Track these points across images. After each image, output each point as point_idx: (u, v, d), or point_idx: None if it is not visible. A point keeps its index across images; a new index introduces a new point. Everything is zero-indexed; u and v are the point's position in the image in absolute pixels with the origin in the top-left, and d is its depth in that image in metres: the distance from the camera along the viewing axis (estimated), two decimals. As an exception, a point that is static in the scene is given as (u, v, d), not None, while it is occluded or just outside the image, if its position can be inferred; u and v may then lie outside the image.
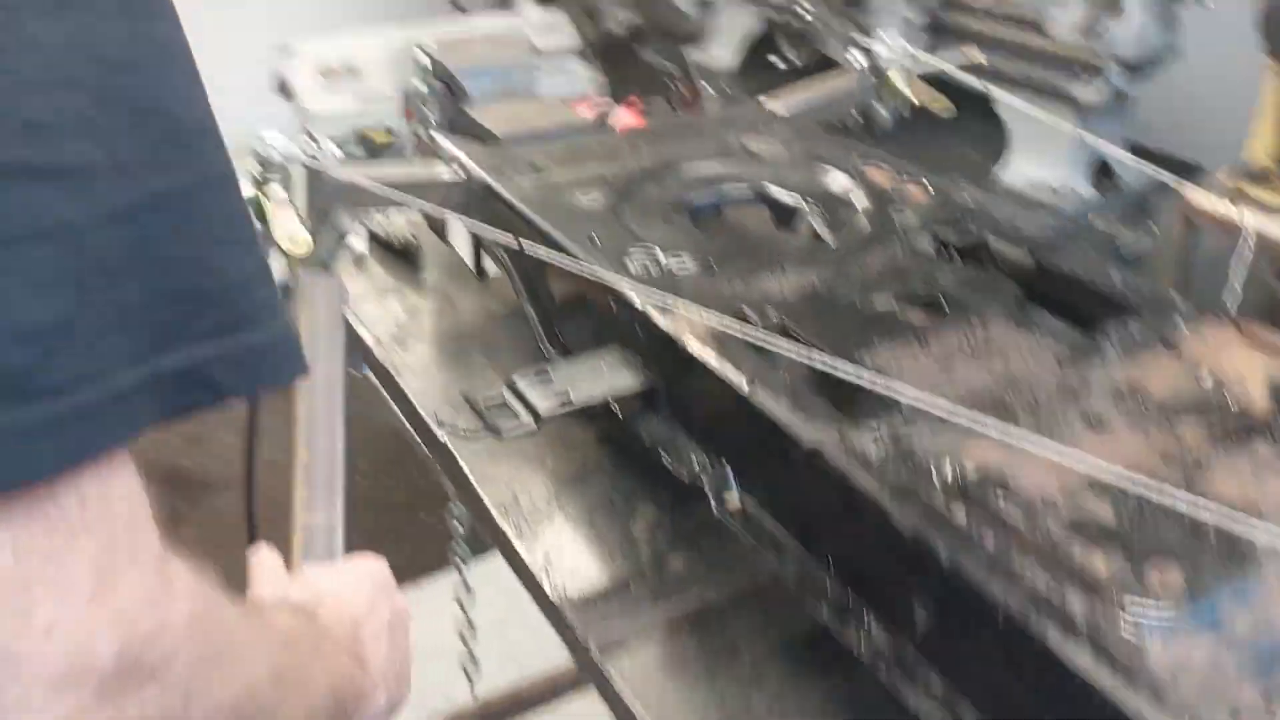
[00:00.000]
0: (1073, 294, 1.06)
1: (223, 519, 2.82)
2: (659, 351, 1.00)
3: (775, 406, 0.88)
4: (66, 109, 0.42)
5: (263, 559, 0.79)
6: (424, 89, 1.63)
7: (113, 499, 0.45)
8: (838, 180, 1.28)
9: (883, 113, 1.59)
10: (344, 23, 4.07)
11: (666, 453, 0.98)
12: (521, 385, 0.99)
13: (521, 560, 1.01)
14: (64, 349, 0.42)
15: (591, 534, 1.04)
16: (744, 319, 0.99)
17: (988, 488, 0.77)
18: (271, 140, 1.20)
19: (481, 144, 1.44)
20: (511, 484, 1.09)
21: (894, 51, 1.56)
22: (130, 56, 0.45)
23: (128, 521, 0.46)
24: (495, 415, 0.97)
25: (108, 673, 0.44)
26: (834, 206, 1.24)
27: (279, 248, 1.16)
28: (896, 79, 1.56)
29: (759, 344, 0.88)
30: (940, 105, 1.55)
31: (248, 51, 3.03)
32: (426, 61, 1.60)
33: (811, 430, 0.85)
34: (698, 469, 0.96)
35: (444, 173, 1.31)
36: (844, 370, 0.78)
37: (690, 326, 0.97)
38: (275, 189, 1.19)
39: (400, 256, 1.50)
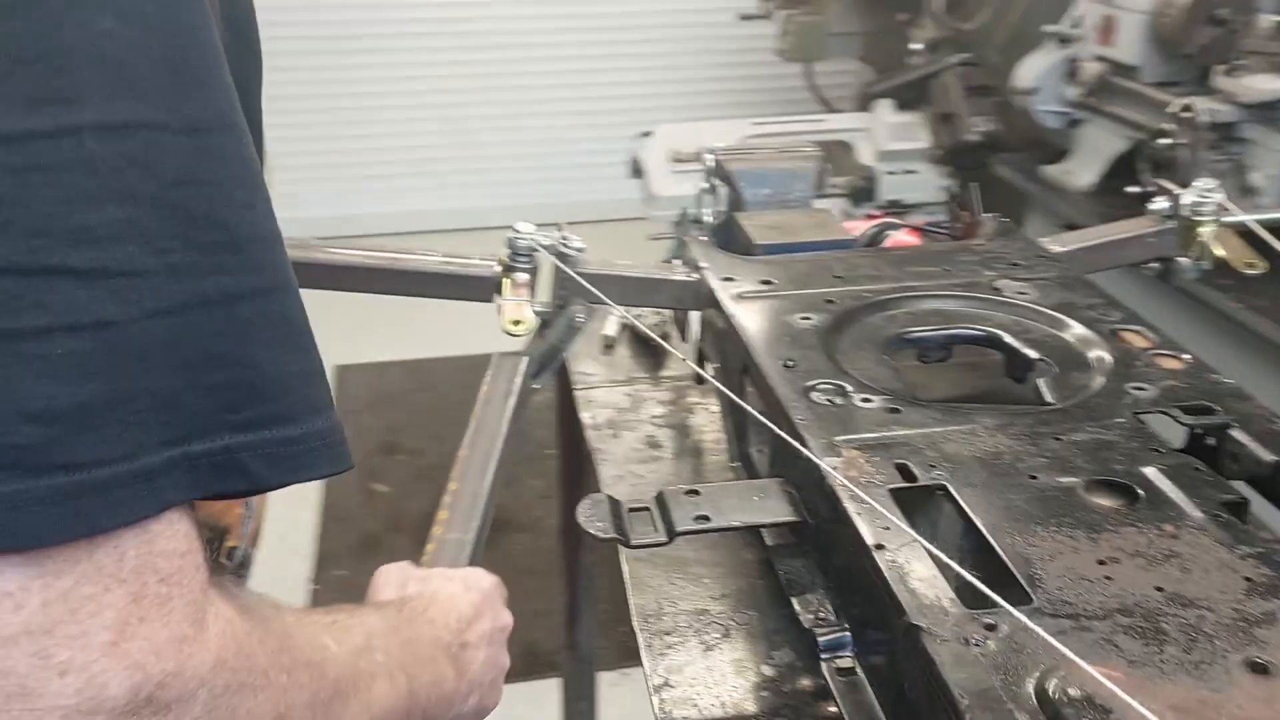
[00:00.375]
0: (1310, 509, 0.91)
1: (514, 558, 3.01)
2: (810, 488, 0.97)
3: (891, 571, 0.82)
4: (119, 219, 0.48)
5: (391, 567, 0.86)
6: (708, 188, 1.67)
7: (155, 554, 0.50)
8: (1082, 338, 1.18)
9: (1185, 264, 1.44)
10: (718, 112, 4.28)
11: (796, 595, 0.95)
12: (667, 497, 0.99)
13: (644, 671, 1.00)
14: (84, 430, 0.47)
15: (720, 663, 1.01)
16: (904, 472, 0.94)
17: (1084, 715, 0.68)
18: (522, 229, 1.30)
19: (743, 250, 1.47)
20: (662, 594, 1.09)
21: (1204, 200, 1.41)
22: (192, 171, 0.51)
23: (167, 574, 0.51)
24: (634, 521, 0.97)
25: (119, 708, 0.49)
26: (1069, 365, 1.14)
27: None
28: (1204, 230, 1.41)
29: (868, 503, 0.83)
30: (1249, 264, 1.38)
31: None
32: (712, 162, 1.64)
33: (920, 606, 0.79)
34: (818, 619, 0.91)
35: (680, 274, 1.35)
36: (942, 558, 0.72)
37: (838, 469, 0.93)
38: (519, 274, 1.28)
39: (646, 348, 1.55)
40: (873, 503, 0.82)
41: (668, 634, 1.04)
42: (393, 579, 0.85)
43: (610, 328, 1.59)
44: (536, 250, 1.30)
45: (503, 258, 1.30)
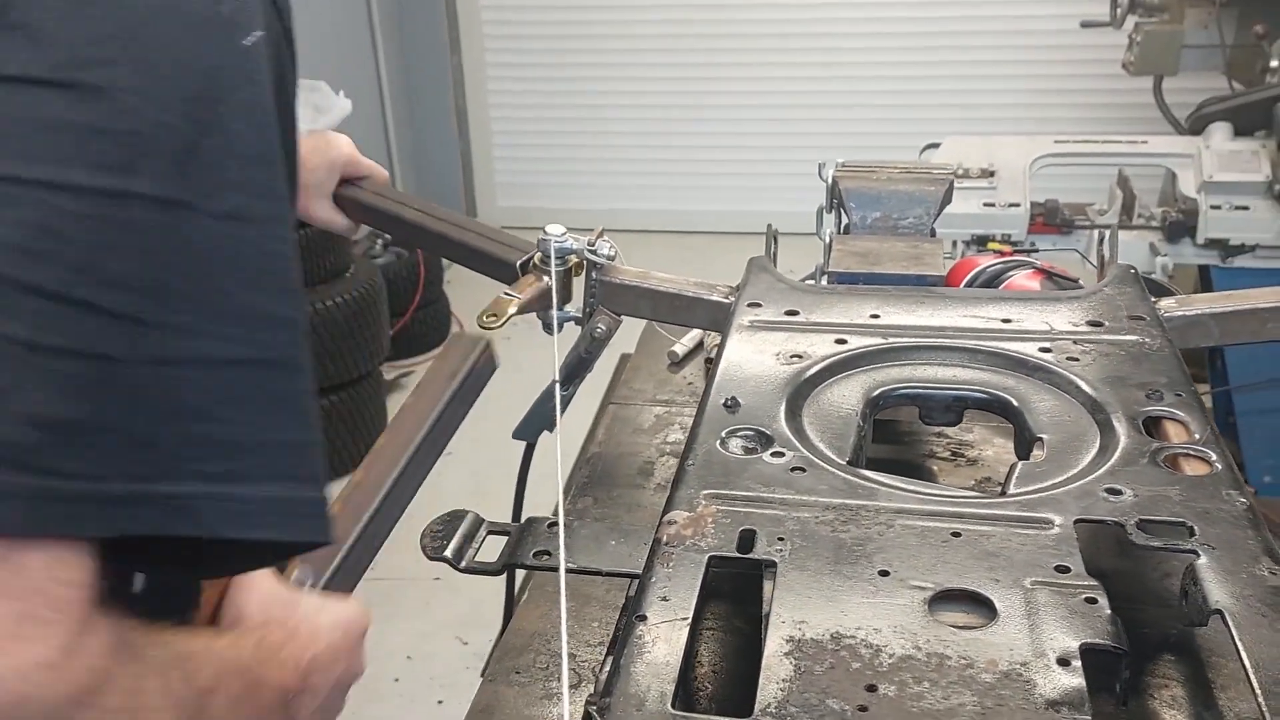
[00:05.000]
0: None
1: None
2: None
3: (632, 645, 0.73)
4: (145, 275, 0.54)
5: (262, 578, 0.80)
6: (826, 207, 1.55)
7: (55, 580, 0.53)
8: (1104, 422, 0.97)
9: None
10: (1046, 128, 3.90)
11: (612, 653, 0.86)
12: (530, 525, 0.94)
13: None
14: (67, 444, 0.52)
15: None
16: (744, 540, 0.83)
17: None
18: (551, 231, 1.27)
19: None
20: (540, 628, 1.04)
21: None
22: (218, 252, 0.56)
23: (58, 601, 0.54)
24: (484, 546, 0.94)
25: None
26: (1060, 451, 0.94)
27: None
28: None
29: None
30: None
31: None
32: (829, 178, 1.52)
33: (625, 690, 0.70)
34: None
35: (717, 294, 1.26)
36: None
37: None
38: (529, 277, 1.26)
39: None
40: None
41: (518, 673, 0.99)
42: (257, 595, 0.78)
43: (679, 346, 1.51)
44: (569, 254, 1.28)
45: (534, 260, 1.28)
